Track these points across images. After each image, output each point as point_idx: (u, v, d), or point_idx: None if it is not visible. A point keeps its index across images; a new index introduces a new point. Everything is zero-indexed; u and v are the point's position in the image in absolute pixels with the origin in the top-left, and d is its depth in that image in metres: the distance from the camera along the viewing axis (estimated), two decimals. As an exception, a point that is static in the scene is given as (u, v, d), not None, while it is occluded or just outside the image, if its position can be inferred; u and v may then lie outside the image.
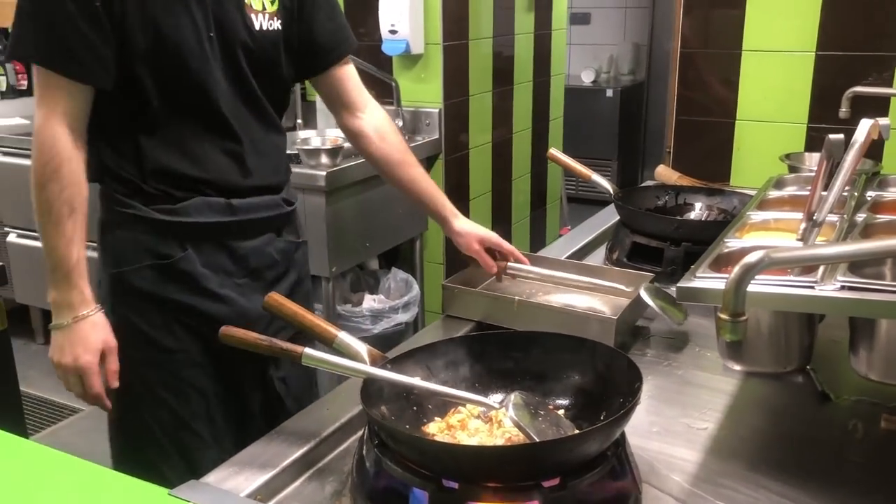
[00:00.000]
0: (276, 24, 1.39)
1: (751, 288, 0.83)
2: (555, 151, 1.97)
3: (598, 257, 1.88)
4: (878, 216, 1.29)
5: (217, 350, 1.38)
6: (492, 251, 1.52)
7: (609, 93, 5.49)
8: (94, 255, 1.38)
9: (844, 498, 1.00)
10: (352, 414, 1.16)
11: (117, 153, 1.34)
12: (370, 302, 2.83)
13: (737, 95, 2.33)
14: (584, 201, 5.15)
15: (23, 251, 3.15)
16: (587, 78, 5.64)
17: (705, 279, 1.08)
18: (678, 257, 1.65)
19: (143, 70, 1.28)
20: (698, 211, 1.90)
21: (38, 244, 1.32)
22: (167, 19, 1.27)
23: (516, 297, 1.43)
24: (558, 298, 1.51)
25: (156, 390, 1.40)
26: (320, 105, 2.87)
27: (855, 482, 1.04)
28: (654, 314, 1.43)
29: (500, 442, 1.00)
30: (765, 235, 1.36)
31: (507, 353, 1.12)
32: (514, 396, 0.99)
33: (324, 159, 2.48)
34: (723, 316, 0.84)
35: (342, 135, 1.74)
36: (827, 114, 2.15)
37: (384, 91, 2.92)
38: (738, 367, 1.31)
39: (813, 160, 2.08)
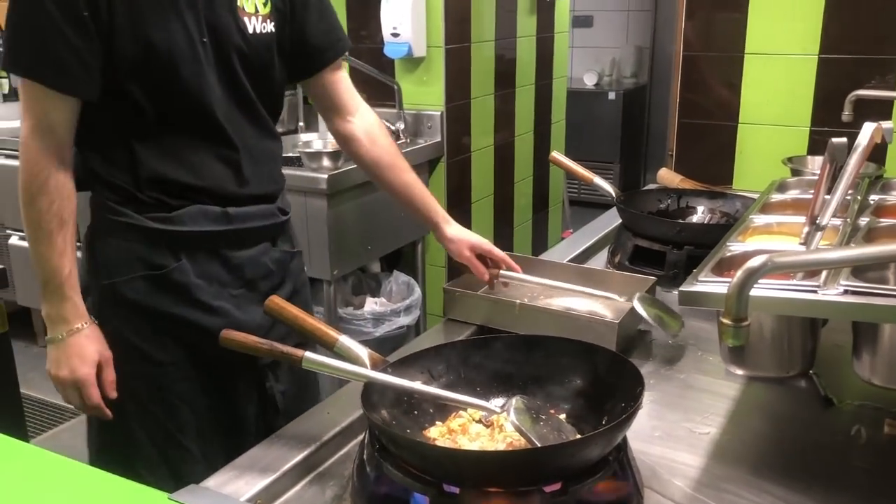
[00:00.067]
0: (270, 27, 1.37)
1: (753, 292, 0.83)
2: (557, 155, 1.97)
3: (600, 261, 1.87)
4: (882, 220, 1.29)
5: (210, 363, 1.37)
6: (484, 258, 1.51)
7: (611, 96, 5.49)
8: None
9: (847, 503, 1.00)
10: (352, 418, 1.15)
11: (108, 161, 1.32)
12: (372, 305, 2.82)
13: (739, 98, 2.33)
14: (587, 204, 5.15)
15: (24, 253, 3.13)
16: (589, 81, 5.63)
17: (708, 283, 1.08)
18: (680, 261, 1.64)
19: (133, 79, 1.25)
20: (701, 214, 1.90)
21: (39, 246, 1.32)
22: (158, 26, 1.24)
23: (518, 301, 1.43)
24: (560, 302, 1.51)
25: (145, 404, 1.37)
26: (322, 108, 2.86)
27: (858, 487, 1.04)
28: (656, 318, 1.43)
29: (501, 446, 0.99)
30: (767, 239, 1.36)
31: (508, 357, 1.12)
32: (515, 401, 0.98)
33: (325, 162, 2.48)
34: (725, 321, 0.83)
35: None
36: (830, 117, 2.14)
37: (386, 94, 2.92)
38: (740, 372, 1.31)
39: (816, 163, 2.07)
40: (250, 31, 1.34)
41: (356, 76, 2.97)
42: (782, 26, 2.21)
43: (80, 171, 1.31)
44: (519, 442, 0.98)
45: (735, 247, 1.25)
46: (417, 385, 1.05)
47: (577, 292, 1.53)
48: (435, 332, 1.51)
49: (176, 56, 1.26)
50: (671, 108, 2.48)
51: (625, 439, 0.95)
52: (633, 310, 1.38)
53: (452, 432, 1.03)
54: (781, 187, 1.62)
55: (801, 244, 1.20)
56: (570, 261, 1.77)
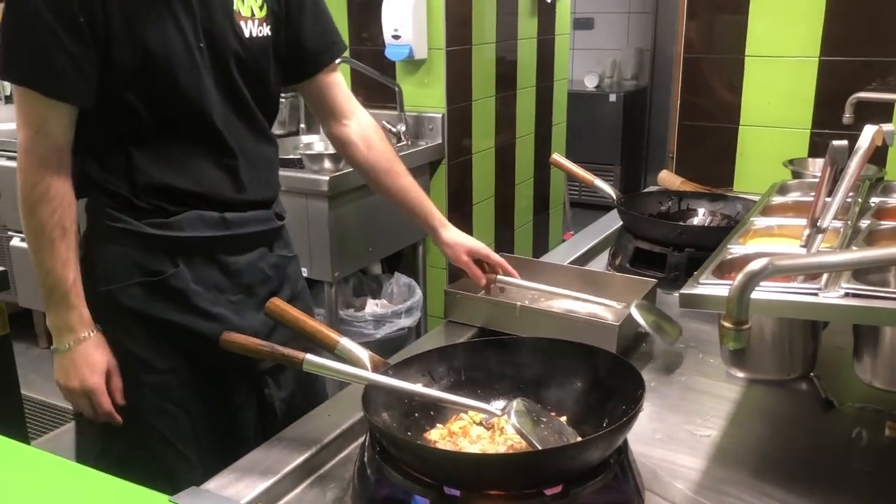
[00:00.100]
0: (266, 31, 1.36)
1: (754, 295, 0.83)
2: (558, 157, 1.97)
3: (600, 263, 1.87)
4: (882, 222, 1.28)
5: (208, 370, 1.37)
6: (481, 262, 1.50)
7: (612, 98, 5.49)
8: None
9: (848, 506, 1.00)
10: (353, 420, 1.15)
11: (105, 168, 1.31)
12: (373, 307, 2.83)
13: (740, 101, 2.33)
14: (587, 206, 5.15)
15: (25, 255, 3.10)
16: (590, 83, 5.63)
17: (708, 286, 1.07)
18: (681, 263, 1.64)
19: (131, 86, 1.24)
20: (701, 216, 1.90)
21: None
22: (155, 32, 1.23)
23: (518, 304, 1.43)
24: (561, 304, 1.51)
25: (142, 410, 1.36)
26: (323, 110, 2.86)
27: (859, 490, 1.04)
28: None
29: (502, 449, 0.99)
30: (768, 242, 1.36)
31: (509, 359, 1.12)
32: (516, 403, 0.98)
33: (327, 164, 2.48)
34: (726, 324, 0.83)
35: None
36: (830, 119, 2.14)
37: (387, 96, 2.92)
38: (741, 374, 1.31)
39: (816, 166, 2.07)
40: (247, 35, 1.33)
41: (357, 78, 2.99)
42: (783, 29, 2.21)
43: (76, 177, 1.30)
44: (520, 444, 0.98)
45: (736, 249, 1.25)
46: (418, 387, 1.05)
47: (581, 294, 1.53)
48: (436, 334, 1.51)
49: (174, 63, 1.25)
50: (672, 111, 2.48)
51: (626, 442, 0.95)
52: (638, 304, 1.38)
53: (453, 435, 1.03)
54: (782, 190, 1.62)
55: (802, 247, 1.20)
56: (570, 263, 1.77)
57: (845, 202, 1.22)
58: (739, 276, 0.82)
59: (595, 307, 1.48)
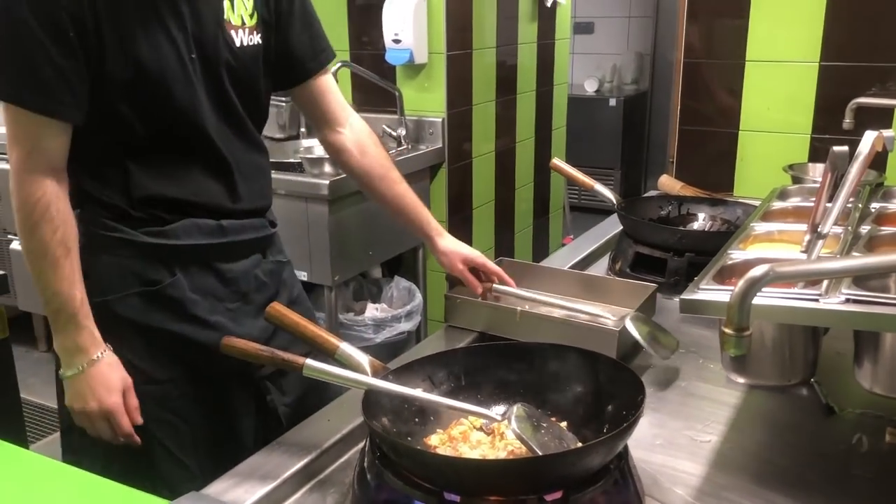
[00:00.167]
0: (256, 39, 1.35)
1: (755, 300, 0.83)
2: (558, 161, 1.97)
3: (601, 267, 1.87)
4: (883, 228, 1.29)
5: (206, 379, 1.35)
6: (477, 271, 1.50)
7: (612, 102, 5.49)
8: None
9: (849, 512, 1.00)
10: (353, 425, 1.15)
11: (100, 181, 1.29)
12: (373, 311, 2.82)
13: (740, 105, 2.33)
14: (588, 210, 5.14)
15: (25, 258, 3.14)
16: (590, 87, 5.64)
17: (709, 291, 1.07)
18: (681, 268, 1.64)
19: (125, 100, 1.22)
20: (702, 221, 1.90)
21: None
22: (147, 45, 1.21)
23: (519, 308, 1.43)
24: (561, 310, 1.50)
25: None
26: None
27: (859, 496, 1.03)
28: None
29: (502, 454, 0.99)
30: (769, 247, 1.36)
31: (509, 364, 1.12)
32: (516, 408, 0.98)
33: (327, 168, 2.48)
34: (727, 330, 0.83)
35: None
36: (831, 124, 2.14)
37: (387, 100, 2.92)
38: (741, 380, 1.31)
39: (816, 171, 2.08)
40: (238, 44, 1.32)
41: (358, 82, 3.00)
42: (783, 33, 2.22)
43: (70, 190, 1.26)
44: (520, 450, 0.98)
45: (736, 255, 1.25)
46: (418, 392, 1.05)
47: (581, 298, 1.53)
48: (436, 338, 1.51)
49: (167, 76, 1.23)
50: (672, 115, 2.49)
51: (626, 447, 0.95)
52: (633, 316, 1.38)
53: (453, 440, 1.03)
54: (782, 195, 1.62)
55: (803, 252, 1.20)
56: (570, 267, 1.77)
57: (846, 208, 1.22)
58: (740, 283, 0.82)
59: (595, 312, 1.48)
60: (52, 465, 1.00)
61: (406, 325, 2.71)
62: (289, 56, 1.42)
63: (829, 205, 1.19)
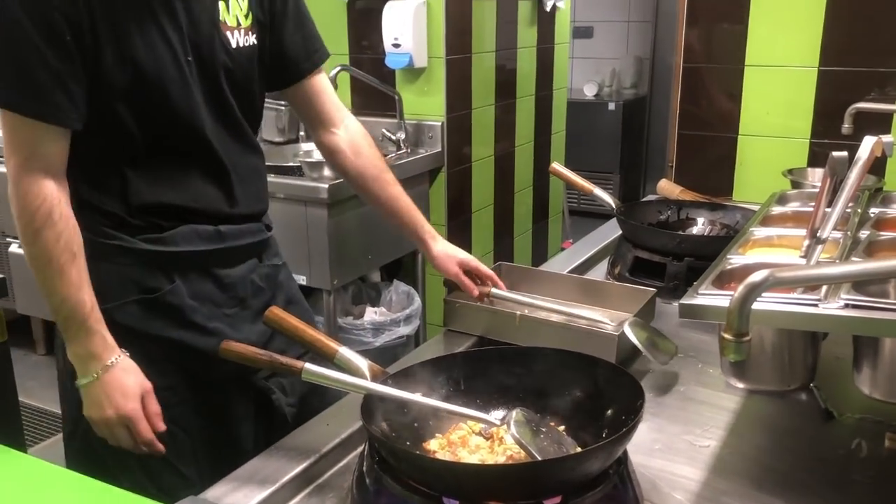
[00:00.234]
0: (252, 40, 1.34)
1: (754, 305, 0.83)
2: (557, 166, 1.97)
3: (600, 272, 1.87)
4: (882, 233, 1.29)
5: (205, 383, 1.35)
6: (472, 275, 1.49)
7: (611, 106, 5.49)
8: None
9: (848, 518, 1.00)
10: (352, 430, 1.15)
11: (98, 188, 1.27)
12: (372, 314, 2.82)
13: (739, 110, 2.34)
14: (587, 214, 5.14)
15: (24, 262, 3.13)
16: (589, 91, 5.64)
17: (708, 296, 1.07)
18: (681, 272, 1.64)
19: (122, 104, 1.21)
20: (701, 226, 1.90)
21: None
22: (144, 47, 1.19)
23: (518, 313, 1.43)
24: (560, 314, 1.50)
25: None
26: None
27: (859, 501, 1.04)
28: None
29: (501, 459, 0.99)
30: (768, 252, 1.36)
31: (508, 368, 1.11)
32: (515, 413, 0.98)
33: (326, 171, 2.48)
34: (726, 335, 0.83)
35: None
36: (830, 129, 2.14)
37: (387, 104, 2.93)
38: (741, 385, 1.31)
39: (816, 175, 2.08)
40: (233, 45, 1.31)
41: (357, 86, 3.00)
42: (783, 38, 2.22)
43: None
44: (519, 455, 0.98)
45: (736, 259, 1.25)
46: (417, 397, 1.05)
47: (581, 303, 1.53)
48: (435, 342, 1.51)
49: (164, 78, 1.22)
50: (671, 119, 2.49)
51: (625, 452, 0.95)
52: (632, 321, 1.38)
53: (452, 445, 1.03)
54: (782, 200, 1.62)
55: (802, 257, 1.20)
56: (569, 272, 1.77)
57: (845, 212, 1.22)
58: (740, 288, 0.82)
59: (595, 316, 1.48)
60: (50, 469, 1.00)
61: (405, 329, 2.71)
62: (282, 56, 1.41)
63: (828, 210, 1.19)
